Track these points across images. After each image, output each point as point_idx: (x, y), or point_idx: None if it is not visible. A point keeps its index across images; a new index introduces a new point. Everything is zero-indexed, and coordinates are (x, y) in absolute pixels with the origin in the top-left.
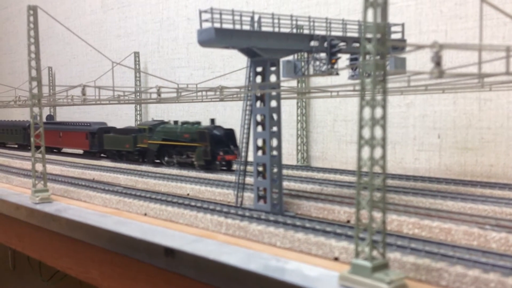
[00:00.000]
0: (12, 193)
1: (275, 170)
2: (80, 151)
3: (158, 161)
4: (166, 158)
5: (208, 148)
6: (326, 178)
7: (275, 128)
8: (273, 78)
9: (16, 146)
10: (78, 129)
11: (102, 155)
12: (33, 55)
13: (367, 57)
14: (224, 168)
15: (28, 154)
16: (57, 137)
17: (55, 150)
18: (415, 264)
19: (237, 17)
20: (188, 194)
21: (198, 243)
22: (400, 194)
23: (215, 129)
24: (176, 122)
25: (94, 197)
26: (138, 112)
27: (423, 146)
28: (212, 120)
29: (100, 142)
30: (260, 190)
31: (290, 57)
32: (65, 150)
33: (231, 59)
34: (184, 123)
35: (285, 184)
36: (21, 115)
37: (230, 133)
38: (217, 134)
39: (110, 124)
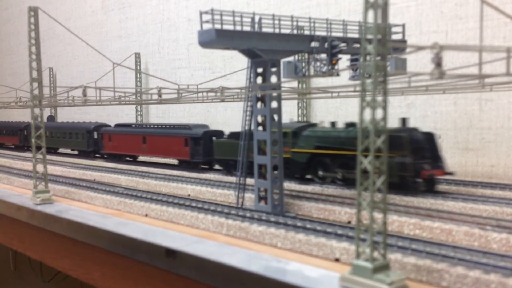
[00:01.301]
0: (13, 194)
1: (276, 171)
2: (174, 161)
3: (307, 176)
4: (320, 173)
5: (408, 160)
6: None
7: (275, 129)
8: (273, 79)
9: (76, 152)
10: (173, 134)
11: (203, 166)
12: (34, 56)
13: (368, 58)
14: (424, 189)
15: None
16: (139, 144)
17: (129, 159)
18: (416, 265)
19: (237, 18)
20: (189, 195)
21: (199, 244)
22: (400, 195)
23: (413, 133)
24: (333, 124)
25: (95, 198)
26: (139, 113)
27: None
28: (404, 120)
29: (207, 150)
30: (261, 191)
31: (291, 58)
32: (151, 159)
33: (231, 60)
34: (349, 124)
35: (286, 185)
36: (21, 116)
37: (430, 138)
38: (418, 140)
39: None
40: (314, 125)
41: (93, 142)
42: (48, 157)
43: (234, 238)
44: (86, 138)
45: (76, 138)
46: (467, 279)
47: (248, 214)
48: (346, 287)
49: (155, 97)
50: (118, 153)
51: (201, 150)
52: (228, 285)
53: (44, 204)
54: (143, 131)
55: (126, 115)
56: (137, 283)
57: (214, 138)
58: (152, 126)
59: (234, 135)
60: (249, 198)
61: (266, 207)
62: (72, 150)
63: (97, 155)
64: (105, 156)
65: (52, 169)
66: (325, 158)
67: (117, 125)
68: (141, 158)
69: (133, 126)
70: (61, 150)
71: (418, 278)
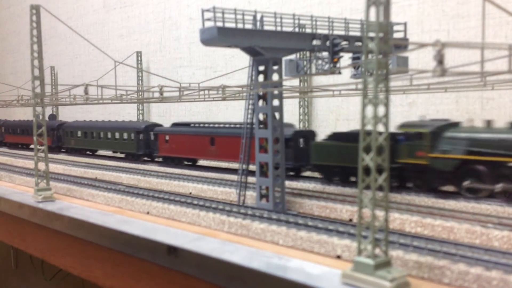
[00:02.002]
0: (15, 192)
1: (277, 168)
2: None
3: (451, 188)
4: (470, 184)
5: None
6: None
7: (277, 127)
8: (275, 77)
9: (123, 156)
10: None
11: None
12: (35, 54)
13: (370, 55)
14: None
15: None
16: (205, 146)
17: (187, 163)
18: (418, 262)
19: (239, 16)
20: (190, 193)
21: (201, 241)
22: (402, 192)
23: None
24: (489, 123)
25: (97, 196)
26: (141, 112)
27: None
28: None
29: (300, 154)
30: (262, 188)
31: (293, 56)
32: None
33: (233, 58)
34: None
35: (287, 182)
36: (23, 114)
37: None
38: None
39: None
40: (455, 124)
41: (144, 144)
42: (50, 155)
43: (235, 235)
44: (135, 139)
45: (122, 140)
46: (469, 276)
47: (249, 212)
48: (348, 284)
49: (156, 95)
50: (178, 156)
51: (291, 154)
52: (229, 282)
53: (46, 201)
54: (210, 131)
55: (127, 113)
56: (139, 280)
57: (301, 140)
58: (220, 125)
59: (338, 136)
60: (251, 196)
61: (268, 204)
62: (116, 152)
63: (146, 159)
64: (160, 160)
65: (53, 167)
66: (479, 166)
67: (175, 124)
68: (202, 162)
69: (196, 125)
70: (101, 153)
71: (419, 275)
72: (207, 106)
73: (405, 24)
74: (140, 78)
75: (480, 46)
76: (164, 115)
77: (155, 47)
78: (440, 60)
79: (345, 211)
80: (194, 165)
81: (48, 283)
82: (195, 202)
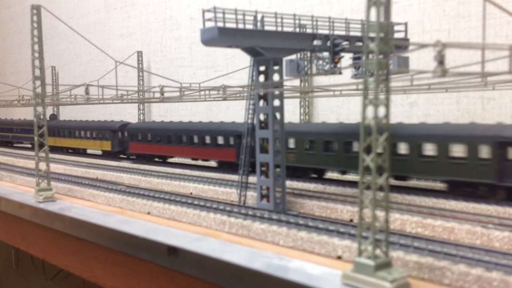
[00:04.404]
0: (16, 192)
1: (278, 169)
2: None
3: None
4: None
5: None
6: (329, 177)
7: (277, 127)
8: (276, 77)
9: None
10: None
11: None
12: (36, 54)
13: (370, 56)
14: None
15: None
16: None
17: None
18: (418, 263)
19: (240, 16)
20: (191, 193)
21: (201, 241)
22: (403, 193)
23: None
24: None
25: (98, 196)
26: (141, 111)
27: None
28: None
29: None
30: (263, 189)
31: (293, 56)
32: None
33: (234, 58)
34: None
35: (288, 183)
36: (24, 114)
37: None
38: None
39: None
40: None
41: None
42: (51, 155)
43: (236, 236)
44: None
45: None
46: (469, 277)
47: (250, 212)
48: (348, 285)
49: (157, 95)
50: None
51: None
52: (230, 282)
53: (47, 202)
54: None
55: (128, 113)
56: (139, 280)
57: None
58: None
59: None
60: (251, 196)
61: (268, 205)
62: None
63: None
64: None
65: (54, 167)
66: None
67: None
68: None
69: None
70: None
71: (420, 276)
72: (208, 106)
73: (405, 24)
74: (141, 78)
75: (480, 46)
76: (165, 115)
77: (156, 47)
78: (441, 60)
79: (346, 211)
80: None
81: (49, 283)
82: (196, 202)
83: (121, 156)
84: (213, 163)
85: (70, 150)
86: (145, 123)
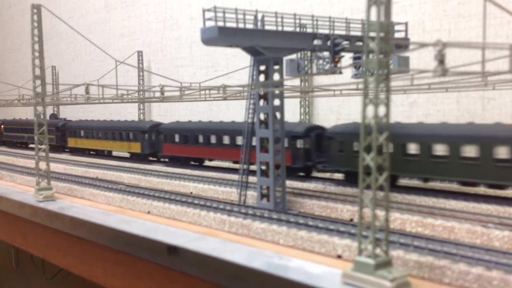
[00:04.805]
0: (16, 191)
1: (278, 168)
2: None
3: None
4: None
5: None
6: (329, 176)
7: (278, 127)
8: (276, 76)
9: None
10: None
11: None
12: (37, 54)
13: (371, 55)
14: None
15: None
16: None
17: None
18: (418, 262)
19: (240, 16)
20: (191, 193)
21: (201, 241)
22: (403, 193)
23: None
24: None
25: (98, 195)
26: (141, 111)
27: None
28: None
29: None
30: (263, 188)
31: (293, 56)
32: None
33: (234, 58)
34: None
35: (288, 182)
36: (24, 114)
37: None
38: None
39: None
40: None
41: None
42: (51, 154)
43: (236, 235)
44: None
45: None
46: (469, 276)
47: (250, 212)
48: (348, 283)
49: (157, 95)
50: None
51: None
52: (230, 281)
53: (47, 201)
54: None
55: (128, 113)
56: (139, 280)
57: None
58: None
59: None
60: (251, 195)
61: (268, 204)
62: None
63: None
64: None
65: (54, 167)
66: None
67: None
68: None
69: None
70: None
71: (420, 275)
72: (208, 106)
73: (406, 24)
74: (141, 77)
75: (481, 46)
76: (165, 115)
77: (156, 46)
78: (441, 60)
79: (346, 211)
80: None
81: (49, 282)
82: (196, 201)
83: (151, 159)
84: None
85: (91, 152)
86: (180, 123)
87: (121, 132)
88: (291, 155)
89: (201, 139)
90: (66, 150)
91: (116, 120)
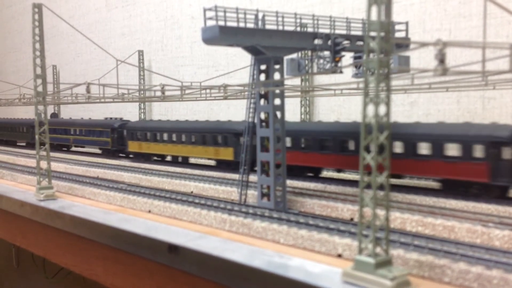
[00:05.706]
0: (17, 190)
1: (279, 168)
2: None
3: None
4: None
5: None
6: (329, 176)
7: (278, 126)
8: (277, 76)
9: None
10: None
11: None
12: (37, 53)
13: (371, 55)
14: None
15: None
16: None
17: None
18: (418, 261)
19: (241, 15)
20: (192, 192)
21: (202, 240)
22: (403, 192)
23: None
24: None
25: (99, 194)
26: (142, 110)
27: None
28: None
29: None
30: (263, 187)
31: (294, 55)
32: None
33: (235, 58)
34: None
35: (289, 181)
36: (25, 113)
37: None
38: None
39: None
40: None
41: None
42: (52, 154)
43: (236, 234)
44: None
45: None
46: (469, 275)
47: (251, 211)
48: (349, 282)
49: (158, 94)
50: None
51: None
52: (231, 280)
53: (48, 200)
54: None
55: (129, 112)
56: (140, 278)
57: None
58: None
59: None
60: (252, 195)
61: (269, 203)
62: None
63: None
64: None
65: (55, 166)
66: None
67: None
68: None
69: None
70: None
71: (420, 274)
72: (208, 105)
73: (406, 23)
74: (141, 77)
75: (481, 45)
76: (166, 114)
77: (157, 46)
78: (441, 59)
79: (346, 210)
80: None
81: (49, 281)
82: (197, 200)
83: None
84: None
85: (157, 158)
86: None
87: (204, 135)
88: (490, 168)
89: (311, 143)
90: (122, 155)
91: (194, 120)
